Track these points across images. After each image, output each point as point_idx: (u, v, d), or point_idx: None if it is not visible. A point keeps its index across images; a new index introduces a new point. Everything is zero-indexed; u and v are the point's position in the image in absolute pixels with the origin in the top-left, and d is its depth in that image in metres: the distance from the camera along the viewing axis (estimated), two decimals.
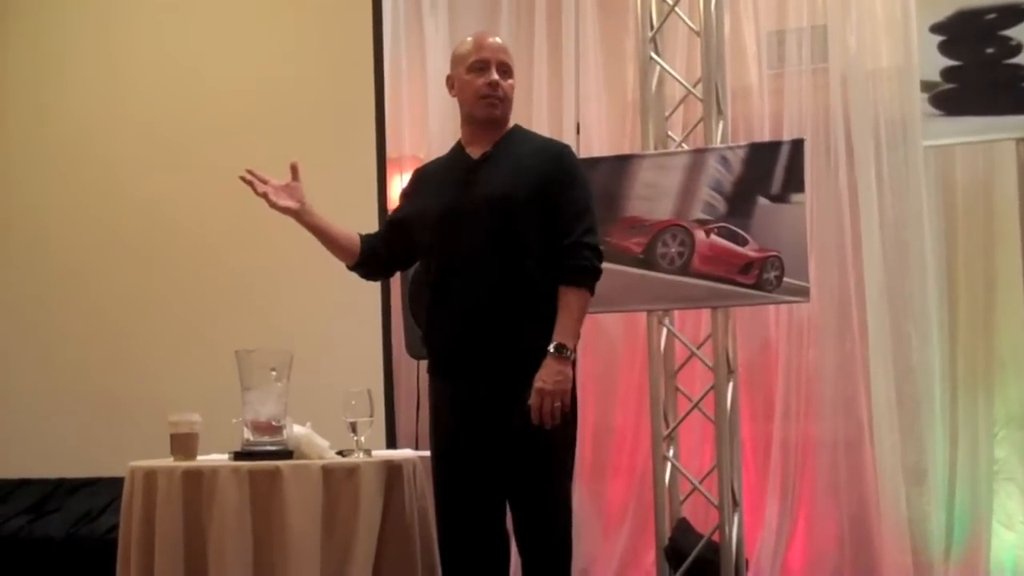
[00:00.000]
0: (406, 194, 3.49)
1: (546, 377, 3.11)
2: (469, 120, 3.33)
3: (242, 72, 5.31)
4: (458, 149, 3.39)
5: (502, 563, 3.31)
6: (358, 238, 3.48)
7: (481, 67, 3.27)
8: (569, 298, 3.17)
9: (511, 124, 3.38)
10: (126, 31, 5.50)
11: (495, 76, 3.26)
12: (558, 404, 3.12)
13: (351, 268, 3.55)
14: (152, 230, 5.33)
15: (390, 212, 3.53)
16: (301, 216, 3.43)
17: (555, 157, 3.30)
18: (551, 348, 3.13)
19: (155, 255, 5.31)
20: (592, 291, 3.22)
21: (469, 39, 3.37)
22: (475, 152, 3.32)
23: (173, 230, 5.29)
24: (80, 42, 5.54)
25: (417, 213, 3.37)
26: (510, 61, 3.32)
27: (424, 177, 3.45)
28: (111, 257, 5.38)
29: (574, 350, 3.16)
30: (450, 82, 3.38)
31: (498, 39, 3.36)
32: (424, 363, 5.06)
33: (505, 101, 3.30)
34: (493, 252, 3.19)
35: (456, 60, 3.34)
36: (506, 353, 3.18)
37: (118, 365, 5.27)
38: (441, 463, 3.33)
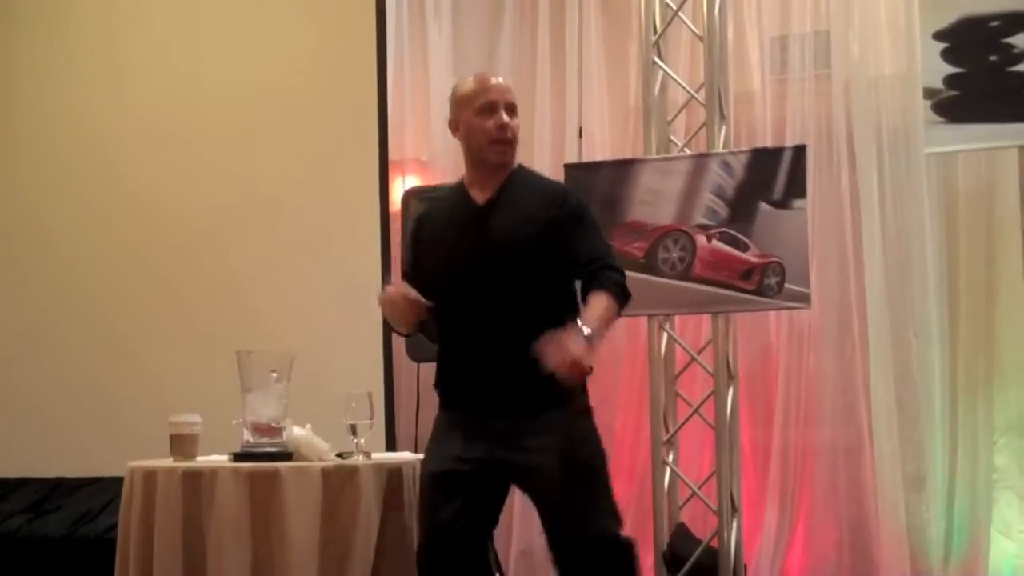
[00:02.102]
0: (414, 241, 3.41)
1: (567, 337, 2.93)
2: (477, 163, 3.26)
3: (245, 74, 5.31)
4: (462, 192, 3.31)
5: None
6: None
7: (490, 109, 3.20)
8: (601, 297, 3.07)
9: (514, 164, 3.32)
10: (130, 33, 5.50)
11: (505, 118, 3.20)
12: (572, 364, 2.93)
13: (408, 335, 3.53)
14: (154, 231, 5.33)
15: (406, 266, 3.42)
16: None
17: (562, 198, 3.25)
18: (580, 326, 2.97)
19: (157, 256, 5.31)
20: (620, 309, 3.13)
21: (470, 80, 3.30)
22: (480, 196, 3.26)
23: (175, 231, 5.29)
24: (85, 45, 5.54)
25: (426, 259, 3.32)
26: (514, 100, 3.25)
27: (429, 223, 3.38)
28: (112, 257, 5.38)
29: (597, 341, 2.99)
30: (454, 125, 3.30)
31: (501, 79, 3.30)
32: (426, 366, 5.11)
33: (515, 143, 3.24)
34: (506, 297, 3.14)
35: (460, 102, 3.26)
36: (525, 393, 3.13)
37: (119, 365, 5.27)
38: (438, 484, 3.23)
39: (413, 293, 3.15)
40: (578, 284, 3.22)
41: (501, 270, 3.16)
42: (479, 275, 3.18)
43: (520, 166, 3.33)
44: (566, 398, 3.14)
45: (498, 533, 4.72)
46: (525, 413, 3.15)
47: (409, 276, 3.38)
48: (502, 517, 3.34)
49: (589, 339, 2.95)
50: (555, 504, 3.15)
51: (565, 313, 3.15)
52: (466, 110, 3.23)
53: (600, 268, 3.14)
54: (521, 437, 3.14)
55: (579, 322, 3.00)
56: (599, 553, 3.11)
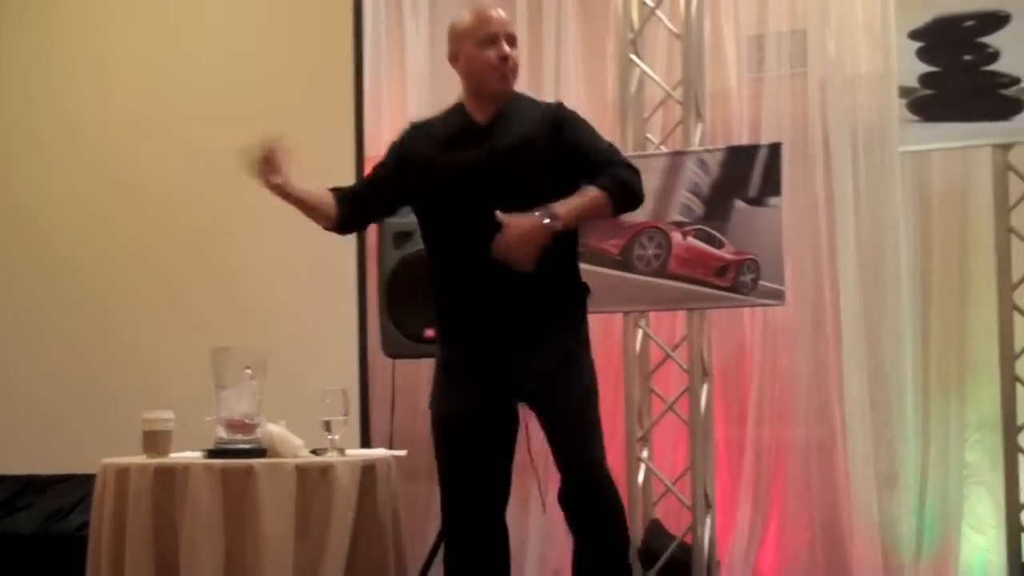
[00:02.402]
0: (399, 149, 3.45)
1: (519, 219, 3.04)
2: (478, 92, 3.33)
3: (221, 69, 5.28)
4: (461, 113, 3.37)
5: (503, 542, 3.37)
6: (332, 198, 3.45)
7: (492, 40, 3.28)
8: (587, 190, 3.16)
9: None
10: (113, 25, 5.45)
11: (506, 48, 3.28)
12: (520, 247, 3.04)
13: (329, 229, 3.52)
14: (128, 226, 5.30)
15: (374, 163, 3.48)
16: (283, 188, 3.38)
17: (556, 109, 3.36)
18: (538, 210, 3.06)
19: (128, 254, 5.28)
20: (615, 205, 3.21)
21: (468, 13, 3.36)
22: (481, 117, 3.33)
23: (149, 227, 5.26)
24: (68, 36, 5.49)
25: (421, 169, 3.34)
26: (514, 32, 3.36)
27: (424, 135, 3.41)
28: (85, 255, 5.34)
29: (559, 224, 3.08)
30: (454, 57, 3.36)
31: (501, 11, 3.37)
32: (401, 362, 5.11)
33: (515, 72, 3.34)
34: (516, 205, 3.12)
35: (460, 35, 3.33)
36: (533, 311, 3.22)
37: (91, 361, 5.24)
38: (448, 434, 3.32)
39: (274, 152, 3.27)
40: None
41: (506, 183, 3.20)
42: (483, 190, 3.21)
43: (515, 92, 3.39)
44: (572, 323, 3.30)
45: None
46: (532, 334, 3.22)
47: (380, 175, 3.44)
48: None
49: (549, 222, 3.04)
50: (561, 427, 3.26)
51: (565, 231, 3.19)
52: (467, 42, 3.31)
53: (605, 165, 3.22)
54: (530, 361, 3.21)
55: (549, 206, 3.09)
56: (591, 484, 3.27)
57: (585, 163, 3.24)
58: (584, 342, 3.34)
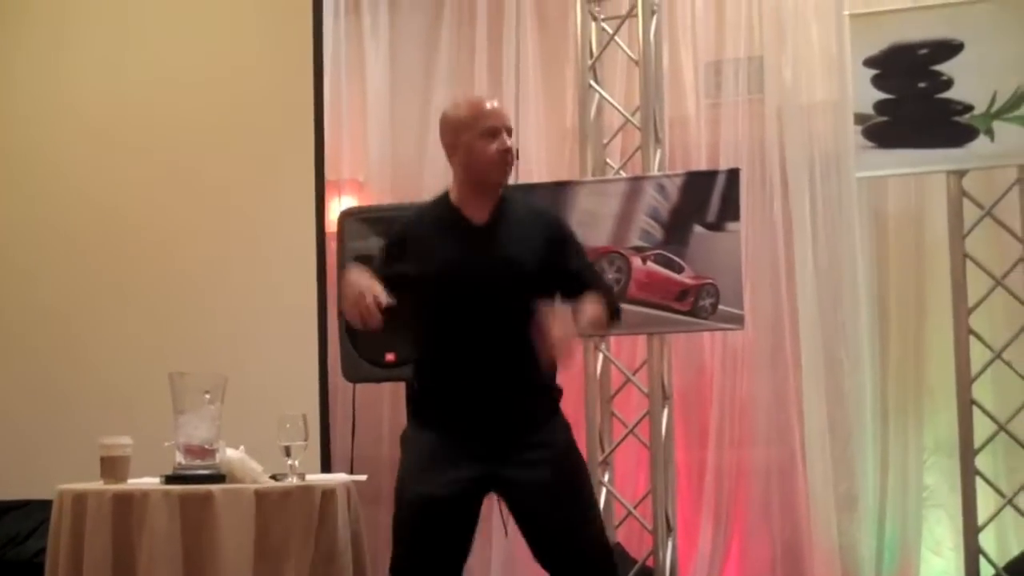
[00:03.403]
0: (395, 253, 3.36)
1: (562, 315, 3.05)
2: (475, 184, 3.28)
3: (180, 94, 5.27)
4: (451, 209, 3.32)
5: None
6: None
7: (493, 133, 3.24)
8: (595, 298, 3.20)
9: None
10: (73, 47, 5.43)
11: (508, 142, 3.27)
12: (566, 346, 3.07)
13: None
14: (86, 251, 5.27)
15: (382, 266, 3.32)
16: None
17: (555, 223, 3.40)
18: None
19: (88, 277, 5.25)
20: (610, 320, 3.27)
21: (465, 104, 3.34)
22: (476, 215, 3.29)
23: (107, 251, 5.24)
24: (28, 54, 5.47)
25: (420, 272, 3.27)
26: (512, 125, 3.35)
27: (415, 236, 3.35)
28: (43, 277, 5.30)
29: (605, 320, 3.20)
30: (451, 148, 3.30)
31: (496, 102, 3.37)
32: (362, 387, 5.10)
33: (512, 164, 3.32)
34: (511, 314, 3.16)
35: (459, 126, 3.27)
36: (523, 407, 3.19)
37: (49, 385, 5.19)
38: (423, 514, 3.19)
39: (382, 294, 3.09)
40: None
41: (512, 290, 3.21)
42: (486, 292, 3.21)
43: (507, 187, 3.38)
44: (555, 410, 3.29)
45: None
46: (523, 427, 3.19)
47: (388, 281, 3.26)
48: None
49: (581, 321, 3.09)
50: (548, 515, 3.18)
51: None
52: (466, 133, 3.26)
53: (602, 285, 3.38)
54: (520, 451, 3.17)
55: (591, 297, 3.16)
56: (594, 560, 3.20)
57: (574, 284, 3.27)
58: (566, 425, 3.33)
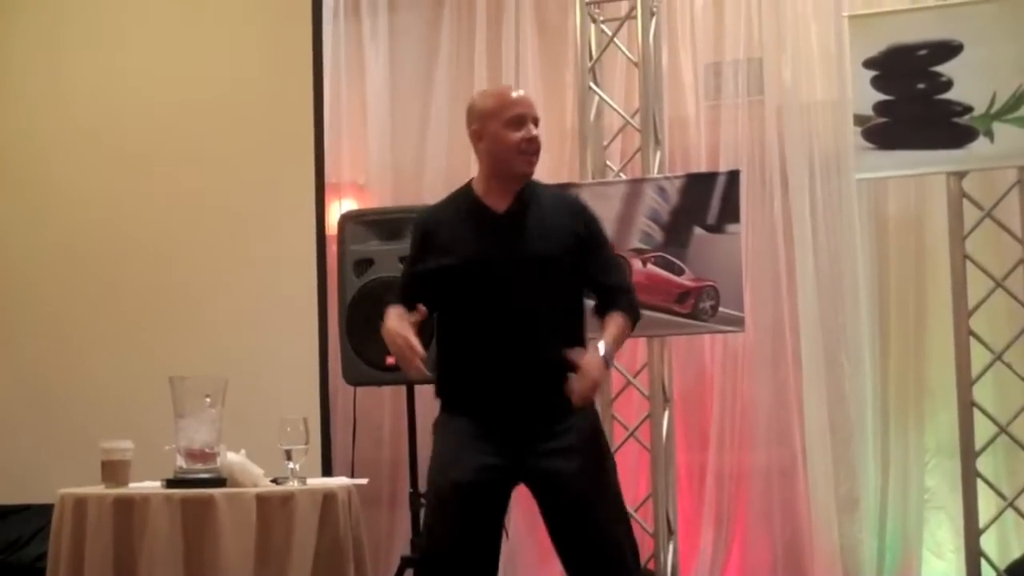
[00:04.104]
0: (422, 246, 3.38)
1: (592, 361, 3.12)
2: (499, 173, 3.30)
3: (179, 97, 5.27)
4: (472, 199, 3.33)
5: None
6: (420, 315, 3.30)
7: (520, 122, 3.26)
8: (618, 319, 3.25)
9: None
10: (71, 58, 5.45)
11: (534, 131, 3.28)
12: (596, 390, 3.16)
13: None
14: (86, 255, 5.27)
15: (410, 266, 3.40)
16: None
17: (582, 213, 3.37)
18: (600, 350, 3.15)
19: (89, 281, 5.25)
20: (632, 328, 3.31)
21: (492, 93, 3.38)
22: (496, 204, 3.30)
23: (108, 255, 5.24)
24: (26, 65, 5.48)
25: (441, 265, 3.30)
26: (538, 114, 3.35)
27: (438, 229, 3.36)
28: (41, 281, 5.31)
29: (612, 356, 3.21)
30: (477, 135, 3.31)
31: (523, 91, 3.41)
32: (362, 390, 5.09)
33: (538, 154, 3.32)
34: (537, 303, 3.21)
35: (486, 114, 3.29)
36: (552, 396, 3.16)
37: (50, 390, 5.19)
38: (453, 498, 3.18)
39: (418, 346, 3.13)
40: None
41: (535, 277, 3.22)
42: (512, 282, 3.22)
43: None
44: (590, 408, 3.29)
45: None
46: (549, 414, 3.19)
47: (416, 279, 3.36)
48: None
49: (607, 360, 3.16)
50: (574, 513, 3.18)
51: (577, 319, 3.30)
52: (493, 121, 3.28)
53: (626, 289, 3.36)
54: (546, 439, 3.18)
55: (599, 344, 3.17)
56: (617, 559, 3.20)
57: (595, 282, 3.32)
58: (597, 416, 3.36)
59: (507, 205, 3.30)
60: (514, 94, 3.34)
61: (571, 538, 3.20)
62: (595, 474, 3.21)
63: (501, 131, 3.26)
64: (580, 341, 3.25)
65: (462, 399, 3.29)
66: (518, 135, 3.25)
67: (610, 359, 3.18)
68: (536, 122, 3.30)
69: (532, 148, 3.27)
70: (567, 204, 3.40)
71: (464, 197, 3.36)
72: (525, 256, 3.25)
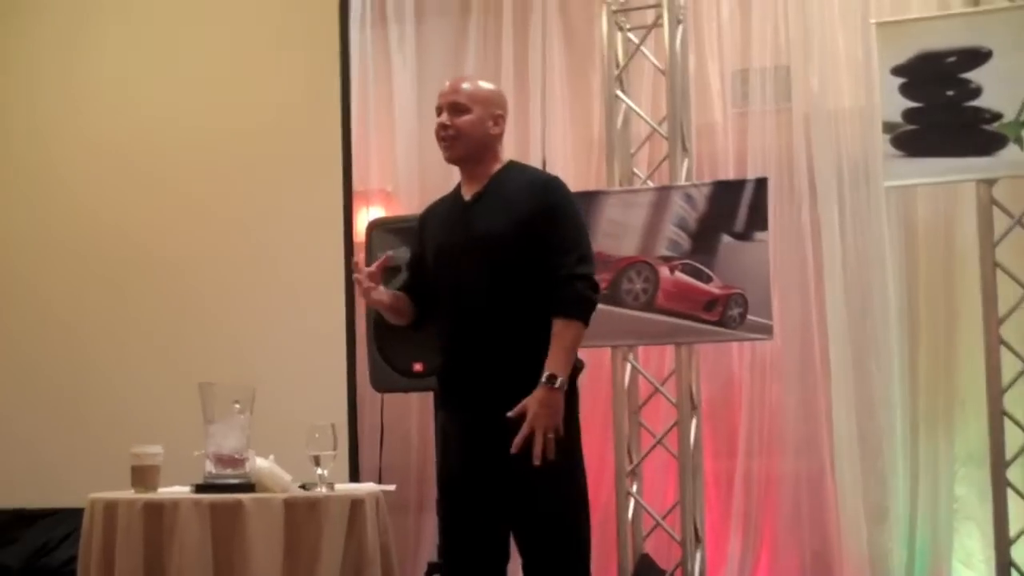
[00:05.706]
0: (419, 231, 3.49)
1: (533, 407, 3.09)
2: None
3: (208, 104, 5.29)
4: (457, 189, 3.41)
5: None
6: (407, 297, 3.44)
7: (438, 111, 3.33)
8: (560, 328, 3.15)
9: (505, 160, 3.38)
10: (88, 68, 5.44)
11: (441, 118, 3.30)
12: (550, 436, 3.08)
13: (409, 326, 3.48)
14: (118, 259, 5.29)
15: (412, 259, 3.54)
16: (383, 301, 3.37)
17: (541, 190, 3.28)
18: (542, 379, 3.10)
19: (120, 285, 5.27)
20: (586, 322, 3.18)
21: None
22: (468, 192, 3.34)
23: (139, 260, 5.26)
24: (42, 74, 5.50)
25: (424, 252, 3.41)
26: (462, 99, 3.29)
27: (428, 217, 3.47)
28: (74, 285, 5.33)
29: (565, 380, 3.12)
30: None
31: (458, 80, 3.39)
32: (390, 397, 5.11)
33: (458, 139, 3.28)
34: (488, 289, 3.20)
35: None
36: (505, 386, 3.16)
37: (80, 395, 5.22)
38: (445, 495, 3.32)
39: (365, 275, 3.28)
40: None
41: (484, 257, 3.22)
42: (462, 264, 3.25)
43: (512, 161, 3.40)
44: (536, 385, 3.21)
45: None
46: (498, 402, 3.14)
47: (413, 266, 3.49)
48: None
49: (557, 386, 3.10)
50: (510, 495, 3.17)
51: (533, 299, 3.19)
52: None
53: (564, 279, 3.17)
54: (502, 431, 3.13)
55: (545, 368, 3.11)
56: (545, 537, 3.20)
57: (545, 255, 3.20)
58: (573, 431, 3.25)
59: (477, 191, 3.32)
60: (445, 85, 3.37)
61: (513, 525, 3.21)
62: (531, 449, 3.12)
63: None
64: (535, 323, 3.17)
65: (441, 389, 3.38)
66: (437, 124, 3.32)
67: (554, 381, 3.09)
68: (454, 108, 3.28)
69: (440, 135, 3.30)
70: (532, 183, 3.33)
71: (455, 189, 3.43)
72: (474, 236, 3.25)
